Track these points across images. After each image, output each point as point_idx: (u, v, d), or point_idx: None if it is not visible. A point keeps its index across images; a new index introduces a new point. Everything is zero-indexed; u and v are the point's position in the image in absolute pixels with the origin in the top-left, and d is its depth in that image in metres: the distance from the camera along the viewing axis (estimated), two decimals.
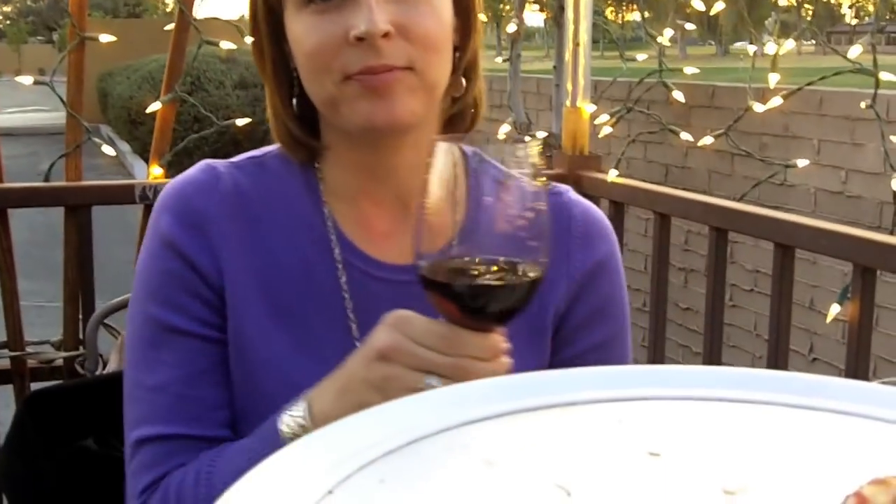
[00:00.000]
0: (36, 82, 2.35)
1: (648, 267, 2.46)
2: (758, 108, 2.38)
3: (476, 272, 0.88)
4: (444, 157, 0.91)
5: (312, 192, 1.15)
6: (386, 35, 1.02)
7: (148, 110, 2.35)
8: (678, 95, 2.65)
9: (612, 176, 2.59)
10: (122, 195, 2.24)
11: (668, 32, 2.98)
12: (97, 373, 2.13)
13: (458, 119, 1.17)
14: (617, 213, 2.61)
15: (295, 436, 0.98)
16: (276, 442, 0.99)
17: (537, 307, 1.16)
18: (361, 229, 1.15)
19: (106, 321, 2.17)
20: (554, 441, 0.78)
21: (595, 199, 2.70)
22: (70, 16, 2.20)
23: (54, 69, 2.24)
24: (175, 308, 1.10)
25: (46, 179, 2.29)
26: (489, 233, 0.89)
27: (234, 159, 1.19)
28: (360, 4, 1.02)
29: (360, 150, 1.12)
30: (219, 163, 1.17)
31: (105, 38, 2.34)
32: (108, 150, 2.34)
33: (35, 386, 2.24)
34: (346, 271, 1.13)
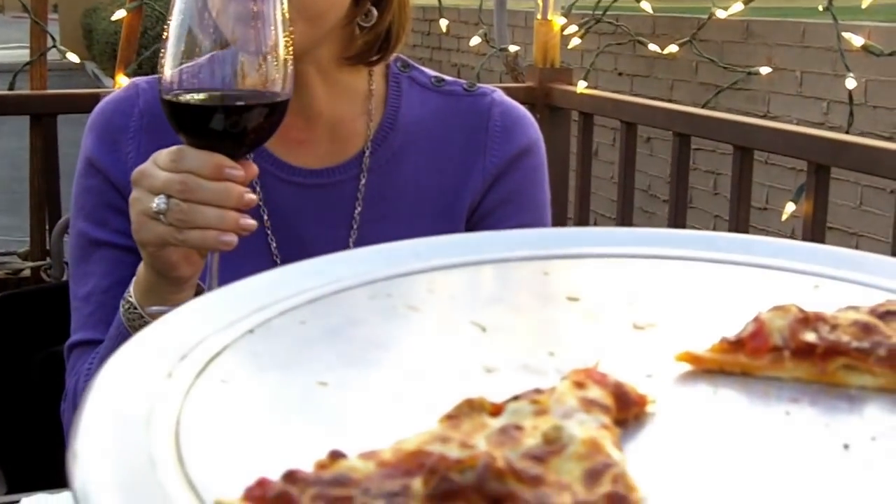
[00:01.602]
0: None
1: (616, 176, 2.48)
2: (720, 13, 2.38)
3: (204, 96, 0.92)
4: None
5: None
6: None
7: (113, 18, 2.33)
8: (645, 6, 2.64)
9: (581, 87, 2.60)
10: (87, 104, 2.22)
11: None
12: (63, 280, 2.15)
13: (368, 48, 1.16)
14: (586, 124, 2.62)
15: (126, 312, 1.03)
16: (121, 325, 1.04)
17: (451, 192, 1.19)
18: (276, 137, 1.18)
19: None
20: (478, 289, 0.81)
21: (565, 111, 2.72)
22: None
23: None
24: (97, 222, 1.16)
25: (11, 89, 2.28)
26: (231, 62, 0.92)
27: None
28: None
29: None
30: (143, 79, 1.23)
31: None
32: (72, 56, 2.32)
33: None
34: (261, 178, 1.16)
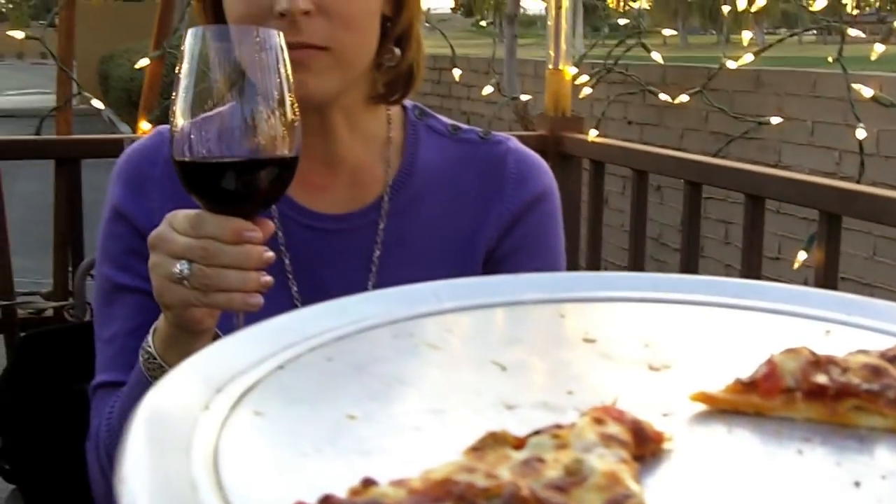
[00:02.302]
0: (27, 37, 2.39)
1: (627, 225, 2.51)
2: (730, 64, 2.42)
3: (216, 157, 0.93)
4: None
5: None
6: (307, 13, 1.07)
7: (137, 66, 2.39)
8: (656, 56, 2.69)
9: (592, 136, 2.64)
10: (110, 149, 2.28)
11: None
12: (85, 320, 2.18)
13: (389, 87, 1.21)
14: (597, 172, 2.66)
15: (146, 362, 1.05)
16: (140, 372, 1.07)
17: (467, 237, 1.22)
18: (297, 182, 1.21)
19: (93, 272, 2.22)
20: (497, 329, 0.84)
21: (576, 159, 2.76)
22: None
23: (50, 16, 2.28)
24: (122, 267, 1.19)
25: (37, 133, 2.33)
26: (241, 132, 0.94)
27: None
28: None
29: None
30: (168, 127, 1.26)
31: None
32: (97, 103, 2.38)
33: None
34: (283, 223, 1.20)
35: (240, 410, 0.64)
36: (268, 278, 0.96)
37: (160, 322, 1.04)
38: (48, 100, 2.49)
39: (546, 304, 0.87)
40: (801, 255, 2.09)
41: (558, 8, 2.74)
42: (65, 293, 2.35)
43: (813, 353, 0.67)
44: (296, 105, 0.94)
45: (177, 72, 0.93)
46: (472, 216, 1.23)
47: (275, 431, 0.62)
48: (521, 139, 1.30)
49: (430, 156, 1.25)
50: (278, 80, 0.93)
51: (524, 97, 3.24)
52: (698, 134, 7.41)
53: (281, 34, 0.94)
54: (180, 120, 0.92)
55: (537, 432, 0.57)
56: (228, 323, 0.98)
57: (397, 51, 1.19)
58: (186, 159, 0.93)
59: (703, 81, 2.78)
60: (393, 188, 1.22)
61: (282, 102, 0.93)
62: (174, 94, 0.93)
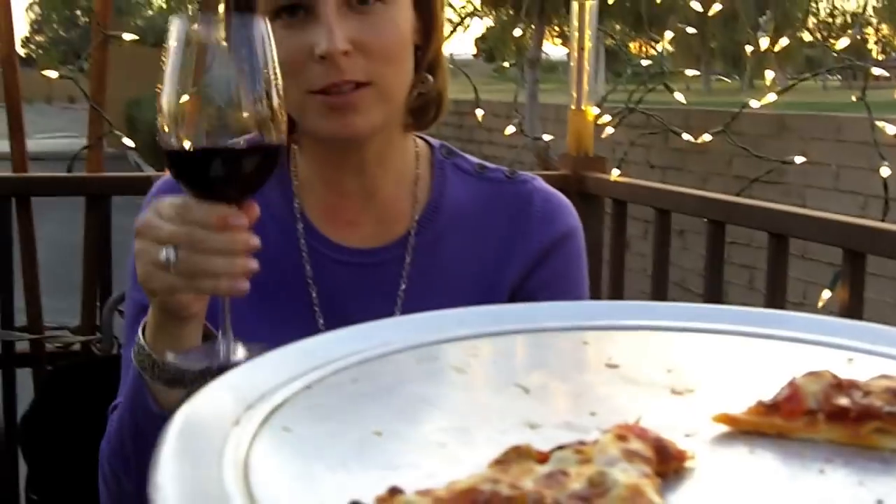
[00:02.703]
0: (61, 76, 2.44)
1: (649, 268, 2.52)
2: (753, 104, 2.44)
3: (202, 144, 0.94)
4: None
5: (283, 183, 1.25)
6: (346, 53, 1.09)
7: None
8: (679, 97, 2.71)
9: (615, 175, 2.65)
10: (140, 186, 2.31)
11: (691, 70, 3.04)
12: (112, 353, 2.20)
13: (421, 112, 1.24)
14: (619, 212, 2.67)
15: (137, 355, 1.06)
16: (131, 365, 1.08)
17: (492, 274, 1.23)
18: (327, 218, 1.24)
19: (121, 307, 2.25)
20: (520, 354, 0.85)
21: (598, 199, 2.77)
22: (95, 14, 2.29)
23: (82, 60, 2.33)
24: None
25: (69, 171, 2.38)
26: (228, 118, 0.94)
27: None
28: (321, 23, 1.09)
29: (327, 146, 1.20)
30: None
31: (128, 36, 2.44)
32: (128, 142, 2.42)
33: None
34: (311, 257, 1.22)
35: (269, 426, 0.65)
36: (254, 264, 0.96)
37: (149, 312, 1.05)
38: (76, 143, 2.53)
39: (569, 331, 0.88)
40: (826, 294, 2.09)
41: (580, 49, 2.77)
42: (92, 328, 2.38)
43: (835, 376, 0.68)
44: (280, 92, 0.94)
45: (162, 59, 0.93)
46: (497, 254, 1.25)
47: (303, 446, 0.64)
48: (544, 179, 1.31)
49: (457, 193, 1.27)
50: (264, 67, 0.93)
51: (546, 137, 3.25)
52: (721, 178, 7.41)
53: (266, 21, 0.94)
54: (165, 107, 0.92)
55: (561, 447, 0.58)
56: (215, 317, 0.99)
57: (430, 78, 1.22)
58: (172, 147, 0.93)
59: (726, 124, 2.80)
60: (420, 224, 1.24)
61: (267, 90, 0.93)
62: (159, 81, 0.93)
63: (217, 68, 0.94)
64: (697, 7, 2.62)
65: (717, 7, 2.70)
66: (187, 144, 0.93)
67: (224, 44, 0.94)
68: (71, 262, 2.52)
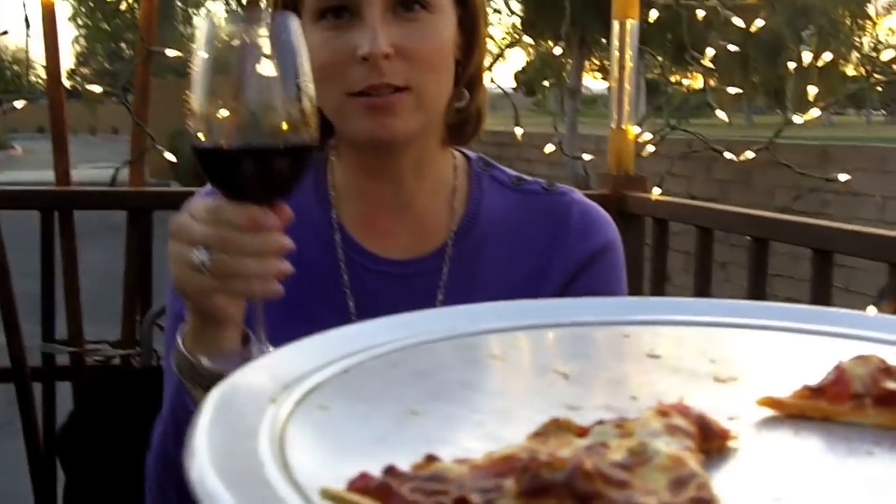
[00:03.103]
0: (106, 93, 2.48)
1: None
2: (796, 119, 2.42)
3: (234, 144, 0.92)
4: None
5: (320, 193, 1.25)
6: (387, 56, 1.10)
7: None
8: (721, 114, 2.69)
9: (656, 194, 2.64)
10: (182, 202, 2.34)
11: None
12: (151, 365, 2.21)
13: (459, 128, 1.25)
14: (660, 231, 2.65)
15: (177, 360, 1.05)
16: (173, 374, 1.07)
17: (529, 286, 1.22)
18: (364, 227, 1.24)
19: (160, 321, 2.26)
20: (560, 344, 0.83)
21: (639, 218, 2.75)
22: (139, 30, 2.33)
23: (123, 81, 2.37)
24: None
25: (112, 185, 2.40)
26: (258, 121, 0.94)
27: None
28: (366, 25, 1.10)
29: (364, 154, 1.21)
30: None
31: (171, 52, 2.47)
32: (169, 156, 2.45)
33: None
34: (348, 268, 1.22)
35: (305, 404, 0.65)
36: (286, 266, 0.96)
37: (187, 318, 1.05)
38: (120, 173, 2.56)
39: (610, 325, 0.87)
40: (871, 311, 2.05)
41: (621, 67, 2.76)
42: (132, 341, 2.39)
43: (882, 361, 0.66)
44: (313, 92, 0.94)
45: (192, 59, 0.93)
46: (534, 265, 1.24)
47: (339, 423, 0.63)
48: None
49: (494, 205, 1.27)
50: (296, 66, 0.92)
51: (585, 156, 3.25)
52: (764, 210, 7.35)
53: (296, 19, 0.94)
54: (197, 107, 0.92)
55: (601, 422, 0.57)
56: (252, 319, 0.98)
57: (466, 93, 1.22)
58: (203, 146, 0.93)
59: (768, 155, 2.76)
60: (457, 235, 1.24)
61: (299, 89, 0.92)
62: (190, 81, 0.93)
63: (249, 68, 0.93)
64: (740, 23, 2.60)
65: (759, 23, 2.68)
66: (218, 144, 0.93)
67: (257, 43, 0.93)
68: (115, 291, 2.52)
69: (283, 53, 0.93)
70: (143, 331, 2.27)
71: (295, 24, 0.94)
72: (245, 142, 0.93)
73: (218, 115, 0.93)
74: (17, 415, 2.48)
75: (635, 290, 2.56)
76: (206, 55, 0.92)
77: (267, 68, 0.93)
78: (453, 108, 1.22)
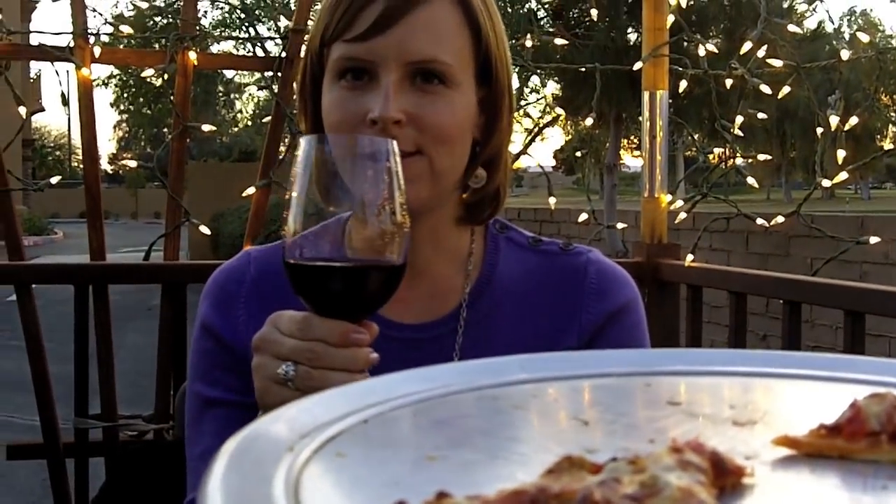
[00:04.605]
0: (140, 166, 2.53)
1: None
2: (826, 183, 2.42)
3: (326, 260, 0.93)
4: None
5: None
6: (398, 122, 1.11)
7: (244, 194, 2.51)
8: (751, 181, 2.70)
9: (688, 260, 2.63)
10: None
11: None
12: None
13: (477, 208, 1.25)
14: (695, 297, 2.64)
15: None
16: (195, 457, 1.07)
17: (545, 347, 1.21)
18: None
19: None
20: (581, 396, 0.84)
21: (673, 285, 2.74)
22: (174, 106, 2.39)
23: (156, 155, 2.43)
24: (211, 382, 1.23)
25: (146, 259, 2.44)
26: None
27: (276, 242, 1.30)
28: (380, 90, 1.12)
29: None
30: (255, 248, 1.32)
31: (206, 127, 2.53)
32: (204, 229, 2.50)
33: None
34: None
35: (323, 453, 0.65)
36: (368, 377, 0.96)
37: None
38: (156, 257, 2.62)
39: (632, 376, 0.87)
40: None
41: (652, 137, 2.78)
42: (166, 415, 2.40)
43: None
44: (405, 212, 0.95)
45: (291, 177, 0.95)
46: (551, 326, 1.23)
47: (355, 468, 0.63)
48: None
49: (509, 266, 1.26)
50: (389, 187, 0.94)
51: (619, 225, 3.25)
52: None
53: (394, 142, 0.95)
54: (292, 224, 0.93)
55: (614, 459, 0.57)
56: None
57: (483, 172, 1.22)
58: (297, 262, 0.94)
59: (805, 228, 2.75)
60: (471, 297, 1.24)
61: (392, 210, 0.93)
62: (287, 198, 0.94)
63: (343, 187, 0.94)
64: (766, 90, 2.62)
65: (785, 90, 2.69)
66: (314, 261, 0.94)
67: (356, 165, 0.95)
68: (151, 373, 2.55)
69: (380, 176, 0.94)
70: (177, 404, 2.28)
71: (394, 148, 0.95)
72: (338, 259, 0.94)
73: (312, 233, 0.94)
74: (49, 490, 2.49)
75: None
76: (304, 174, 0.94)
77: (365, 190, 0.94)
78: (470, 188, 1.22)
